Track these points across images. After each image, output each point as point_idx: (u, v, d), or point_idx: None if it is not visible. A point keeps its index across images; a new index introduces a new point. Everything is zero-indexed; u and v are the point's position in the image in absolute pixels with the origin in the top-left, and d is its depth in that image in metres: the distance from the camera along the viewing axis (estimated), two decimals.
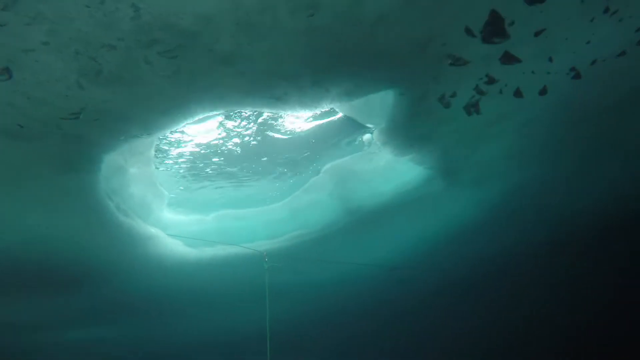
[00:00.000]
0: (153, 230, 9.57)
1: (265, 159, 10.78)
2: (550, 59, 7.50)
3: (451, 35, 6.43)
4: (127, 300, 11.71)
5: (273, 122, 9.32)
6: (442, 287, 17.31)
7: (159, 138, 8.99)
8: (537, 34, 6.75)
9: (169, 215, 10.85)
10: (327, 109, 8.28)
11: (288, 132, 9.98)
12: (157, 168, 9.91)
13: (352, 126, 9.91)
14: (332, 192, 11.61)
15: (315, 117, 9.68)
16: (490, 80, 7.55)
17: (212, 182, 11.20)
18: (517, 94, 8.12)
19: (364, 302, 16.91)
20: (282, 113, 8.41)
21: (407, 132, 8.58)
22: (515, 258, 16.51)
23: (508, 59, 7.07)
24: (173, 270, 10.74)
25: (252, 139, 9.66)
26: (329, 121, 9.85)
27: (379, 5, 5.48)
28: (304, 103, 7.20)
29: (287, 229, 12.17)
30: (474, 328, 18.75)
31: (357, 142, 10.48)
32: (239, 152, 10.13)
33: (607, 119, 10.07)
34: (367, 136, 10.12)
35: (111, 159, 7.56)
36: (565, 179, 12.57)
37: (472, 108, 8.17)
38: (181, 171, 10.38)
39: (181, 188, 10.92)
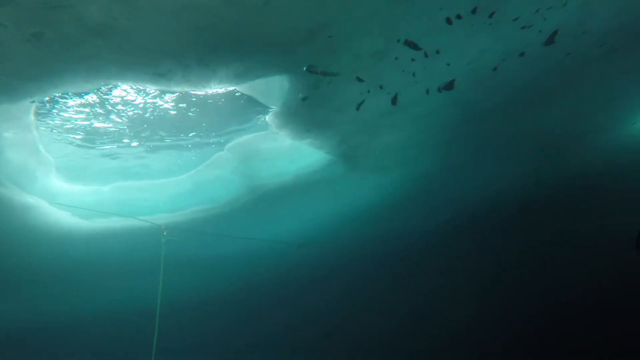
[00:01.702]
0: (34, 200, 9.04)
1: (167, 129, 10.46)
2: (448, 64, 8.04)
3: (338, 28, 6.63)
4: (8, 272, 11.06)
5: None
6: (346, 266, 18.20)
7: (46, 102, 8.36)
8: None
9: (58, 184, 10.25)
10: (225, 89, 8.20)
11: (193, 104, 9.72)
12: (49, 132, 9.23)
13: (256, 105, 9.91)
14: (236, 169, 11.62)
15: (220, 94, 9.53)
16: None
17: (111, 152, 10.70)
18: (394, 101, 8.63)
19: (270, 277, 17.39)
20: (167, 90, 8.19)
21: (301, 118, 8.78)
22: (415, 241, 17.75)
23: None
24: (60, 242, 10.28)
25: (155, 107, 9.29)
26: (234, 98, 9.74)
27: None
28: (190, 82, 7.09)
29: (189, 203, 12.06)
30: (377, 306, 20.06)
31: (260, 122, 10.52)
32: (143, 120, 9.72)
33: (496, 118, 11.02)
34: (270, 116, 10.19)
35: None
36: (460, 169, 13.61)
37: (359, 105, 8.57)
38: (77, 137, 9.77)
39: (73, 155, 10.30)
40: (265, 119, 10.27)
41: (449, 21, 6.80)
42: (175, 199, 11.95)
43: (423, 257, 19.67)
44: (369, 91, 8.27)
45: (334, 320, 19.47)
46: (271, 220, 13.79)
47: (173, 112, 9.48)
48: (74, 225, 10.26)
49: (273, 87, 8.20)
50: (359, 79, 7.86)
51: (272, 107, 9.29)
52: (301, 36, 6.62)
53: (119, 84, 7.53)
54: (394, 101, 8.63)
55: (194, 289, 16.25)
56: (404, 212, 15.56)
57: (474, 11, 6.74)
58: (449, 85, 8.70)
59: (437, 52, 7.55)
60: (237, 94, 9.27)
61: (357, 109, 8.65)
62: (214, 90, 8.51)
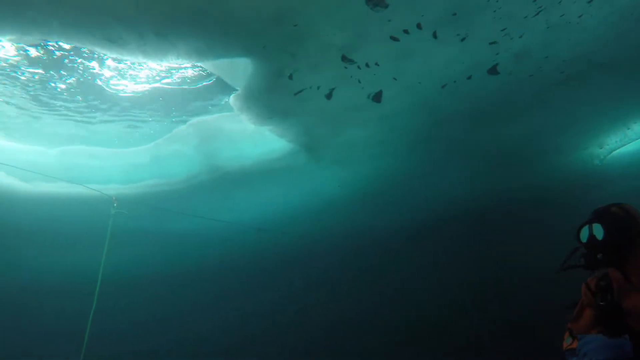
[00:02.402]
0: None
1: (126, 99, 9.98)
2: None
3: (305, 16, 6.38)
4: None
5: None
6: (307, 256, 18.18)
7: None
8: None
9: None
10: (181, 64, 7.83)
11: (153, 77, 9.29)
12: None
13: (221, 84, 9.58)
14: (197, 147, 11.29)
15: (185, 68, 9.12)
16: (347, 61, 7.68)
17: (62, 115, 10.14)
18: (377, 97, 8.50)
19: (226, 259, 17.20)
20: (120, 57, 7.76)
21: (263, 104, 8.53)
22: (376, 236, 17.87)
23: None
24: None
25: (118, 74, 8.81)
26: (199, 74, 9.38)
27: None
28: (146, 53, 6.71)
29: (145, 176, 11.67)
30: (336, 297, 20.17)
31: (224, 102, 10.20)
32: (102, 86, 9.22)
33: (461, 125, 11.06)
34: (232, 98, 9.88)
35: None
36: (424, 172, 13.70)
37: (328, 97, 8.38)
38: (27, 93, 9.15)
39: (19, 113, 9.70)
40: (228, 100, 9.97)
41: (394, 39, 6.76)
42: (129, 171, 11.53)
43: (385, 255, 19.85)
44: (318, 87, 8.09)
45: (290, 307, 19.48)
46: (230, 202, 13.54)
47: (133, 84, 9.04)
48: (9, 186, 9.72)
49: (237, 69, 7.90)
50: (346, 59, 7.55)
51: (236, 88, 8.99)
52: (266, 19, 6.34)
53: (63, 41, 7.05)
54: (328, 96, 8.48)
55: (141, 265, 15.88)
56: (367, 209, 15.61)
57: (434, 35, 6.74)
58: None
59: (404, 56, 7.46)
60: (203, 71, 8.94)
61: (328, 97, 8.45)
62: (177, 64, 8.12)
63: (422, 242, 18.91)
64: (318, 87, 8.18)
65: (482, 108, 9.96)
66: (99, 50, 6.79)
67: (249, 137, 11.11)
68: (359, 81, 8.15)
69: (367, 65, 7.58)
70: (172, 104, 10.14)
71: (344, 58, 7.39)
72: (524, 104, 9.90)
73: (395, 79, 8.25)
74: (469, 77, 8.43)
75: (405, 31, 6.79)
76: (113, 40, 6.26)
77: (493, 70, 8.23)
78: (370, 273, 20.72)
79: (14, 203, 10.09)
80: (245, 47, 6.99)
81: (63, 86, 8.91)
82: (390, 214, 16.71)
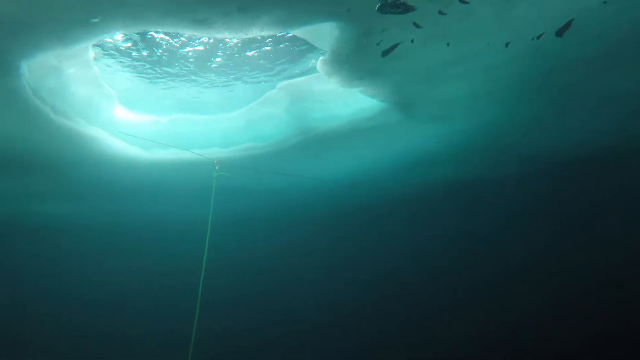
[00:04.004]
0: (97, 131, 9.66)
1: (222, 63, 10.34)
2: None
3: None
4: (78, 187, 12.36)
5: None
6: (397, 208, 18.02)
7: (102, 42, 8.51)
8: None
9: (120, 115, 10.82)
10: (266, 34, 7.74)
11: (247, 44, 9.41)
12: (109, 67, 9.55)
13: (309, 47, 9.38)
14: (287, 109, 11.41)
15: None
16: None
17: (169, 85, 10.94)
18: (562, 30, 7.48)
19: (317, 211, 17.81)
20: (208, 36, 7.88)
21: (352, 66, 8.14)
22: (476, 190, 16.94)
23: None
24: (121, 170, 11.13)
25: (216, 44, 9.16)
26: (288, 37, 9.26)
27: None
28: (231, 28, 6.73)
29: (241, 139, 12.25)
30: (423, 242, 20.03)
31: (311, 64, 10.00)
32: (200, 55, 9.68)
33: (583, 70, 9.51)
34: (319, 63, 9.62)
35: (39, 62, 7.33)
36: (532, 121, 12.33)
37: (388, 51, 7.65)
38: (136, 72, 10.03)
39: (134, 89, 10.68)
40: (315, 63, 9.74)
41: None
42: (228, 135, 12.17)
43: (485, 206, 18.94)
44: (412, 41, 7.37)
45: (381, 262, 19.90)
46: (323, 160, 13.68)
47: (225, 50, 9.27)
48: (133, 154, 10.96)
49: (322, 34, 7.59)
50: (416, 25, 6.96)
51: (324, 49, 8.70)
52: None
53: (159, 29, 7.38)
54: (385, 53, 7.66)
55: (242, 218, 17.25)
56: (465, 162, 14.72)
57: None
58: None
59: None
60: (289, 34, 8.79)
61: (384, 55, 7.80)
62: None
63: (526, 192, 17.53)
64: (412, 41, 7.49)
65: (610, 49, 8.37)
66: (189, 32, 7.01)
67: (339, 97, 10.89)
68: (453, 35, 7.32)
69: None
70: (261, 68, 10.26)
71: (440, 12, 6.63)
72: None
73: (499, 27, 7.23)
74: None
75: None
76: (201, 21, 6.37)
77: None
78: (471, 225, 20.00)
79: (136, 169, 11.44)
80: (329, 12, 6.63)
81: (168, 66, 9.51)
82: (497, 166, 15.60)
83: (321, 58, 8.18)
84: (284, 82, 10.76)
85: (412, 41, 7.53)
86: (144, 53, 9.08)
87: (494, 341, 14.47)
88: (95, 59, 8.91)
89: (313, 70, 10.30)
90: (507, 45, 7.79)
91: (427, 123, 11.56)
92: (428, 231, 19.55)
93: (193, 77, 10.52)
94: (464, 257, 19.53)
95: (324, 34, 7.69)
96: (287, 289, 19.79)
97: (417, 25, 6.98)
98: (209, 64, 9.81)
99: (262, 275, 20.08)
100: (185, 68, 9.92)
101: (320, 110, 11.34)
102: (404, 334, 16.50)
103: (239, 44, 9.12)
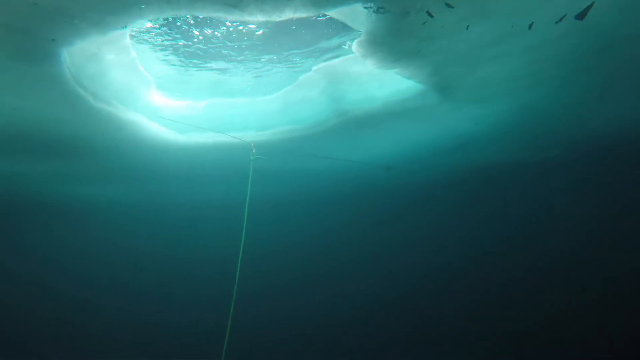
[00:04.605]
0: (135, 116, 9.90)
1: (257, 47, 10.27)
2: None
3: None
4: (121, 169, 12.82)
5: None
6: (434, 193, 17.62)
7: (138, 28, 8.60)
8: None
9: (157, 100, 11.02)
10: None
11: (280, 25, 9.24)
12: (146, 53, 9.69)
13: (344, 28, 9.10)
14: (323, 91, 11.25)
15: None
16: None
17: (204, 69, 11.00)
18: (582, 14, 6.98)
19: (354, 193, 17.68)
20: (241, 20, 7.75)
21: (388, 47, 7.86)
22: (514, 174, 16.27)
23: None
24: (158, 154, 11.41)
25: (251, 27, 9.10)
26: (322, 19, 9.02)
27: None
28: (265, 11, 6.59)
29: (277, 123, 12.22)
30: (460, 228, 19.54)
31: (347, 46, 9.72)
32: (235, 39, 9.65)
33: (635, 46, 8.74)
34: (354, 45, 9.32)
35: (79, 49, 7.52)
36: (577, 104, 11.58)
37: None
38: (172, 57, 10.14)
39: (170, 74, 10.81)
40: (350, 44, 9.47)
41: None
42: (264, 118, 12.18)
43: (525, 193, 18.21)
44: (435, 18, 6.95)
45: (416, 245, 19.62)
46: (359, 142, 13.48)
47: (259, 33, 9.16)
48: (171, 139, 11.19)
49: (357, 14, 7.33)
50: (448, 5, 6.56)
51: (360, 30, 8.42)
52: None
53: (191, 14, 7.34)
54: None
55: (279, 201, 17.40)
56: (505, 146, 14.08)
57: None
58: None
59: None
60: (323, 16, 8.55)
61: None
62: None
63: (567, 178, 16.65)
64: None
65: None
66: (222, 16, 6.93)
67: (376, 79, 10.60)
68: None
69: None
70: (296, 51, 10.10)
71: None
72: None
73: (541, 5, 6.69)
74: None
75: None
76: (234, 5, 6.28)
77: None
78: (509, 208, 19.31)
79: (173, 152, 11.71)
80: None
81: (203, 46, 9.53)
82: (538, 151, 14.86)
83: (357, 40, 7.92)
84: (320, 65, 10.58)
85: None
86: (179, 40, 9.11)
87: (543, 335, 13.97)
88: (132, 45, 9.05)
89: (349, 51, 10.05)
90: (530, 26, 7.24)
91: (465, 105, 11.10)
92: (466, 217, 19.02)
93: (228, 62, 10.51)
94: (501, 246, 18.89)
95: (359, 14, 7.43)
96: (324, 275, 19.92)
97: (449, 6, 6.58)
98: (244, 47, 9.74)
99: (300, 260, 20.32)
100: (220, 52, 9.91)
101: (357, 92, 11.11)
102: (445, 321, 16.22)
103: (274, 27, 8.98)
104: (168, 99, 11.48)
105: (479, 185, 17.37)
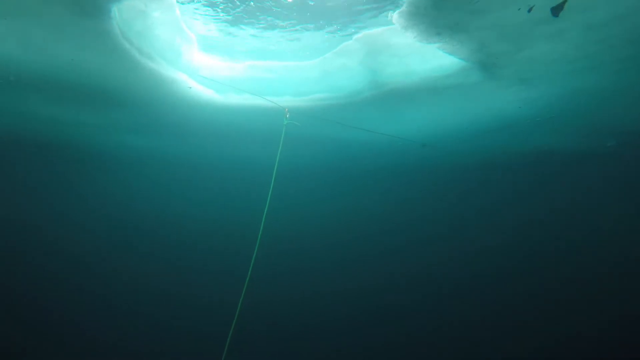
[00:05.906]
0: (177, 74, 10.19)
1: (300, 12, 10.18)
2: None
3: None
4: (159, 124, 13.37)
5: None
6: (470, 174, 17.18)
7: None
8: None
9: (199, 59, 11.24)
10: None
11: None
12: (190, 12, 9.83)
13: None
14: (362, 61, 11.05)
15: None
16: None
17: (246, 31, 11.05)
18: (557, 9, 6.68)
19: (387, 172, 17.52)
20: None
21: (430, 20, 7.57)
22: (559, 160, 15.54)
23: None
24: (196, 112, 11.76)
25: None
26: None
27: None
28: None
29: (314, 89, 12.19)
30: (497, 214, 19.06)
31: (389, 17, 9.40)
32: (278, 4, 9.63)
33: None
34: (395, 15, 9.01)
35: (127, 6, 7.77)
36: (638, 90, 10.77)
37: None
38: (216, 17, 10.25)
39: (213, 34, 10.93)
40: (393, 15, 9.18)
41: None
42: (301, 84, 12.18)
43: (573, 183, 17.43)
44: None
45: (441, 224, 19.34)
46: (395, 116, 13.27)
47: None
48: (208, 98, 11.47)
49: None
50: None
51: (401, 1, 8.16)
52: None
53: None
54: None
55: (308, 169, 17.55)
56: (551, 131, 13.42)
57: None
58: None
59: None
60: None
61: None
62: None
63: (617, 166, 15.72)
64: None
65: None
66: None
67: (417, 52, 10.27)
68: None
69: None
70: (338, 18, 9.92)
71: None
72: None
73: None
74: None
75: None
76: None
77: None
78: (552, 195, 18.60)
79: (210, 111, 12.04)
80: None
81: (246, 13, 9.53)
82: (588, 139, 14.09)
83: (398, 10, 7.68)
84: (361, 33, 10.35)
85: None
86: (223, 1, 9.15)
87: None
88: (176, 3, 9.20)
89: (391, 22, 9.75)
90: (529, 10, 6.75)
91: (511, 86, 10.60)
92: (504, 204, 18.50)
93: (270, 26, 10.49)
94: (544, 237, 18.30)
95: None
96: (347, 249, 20.10)
97: None
98: (286, 13, 9.67)
99: (323, 230, 20.59)
100: (262, 16, 9.90)
101: (396, 64, 10.84)
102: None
103: None
104: (209, 58, 11.68)
105: (519, 172, 16.76)
